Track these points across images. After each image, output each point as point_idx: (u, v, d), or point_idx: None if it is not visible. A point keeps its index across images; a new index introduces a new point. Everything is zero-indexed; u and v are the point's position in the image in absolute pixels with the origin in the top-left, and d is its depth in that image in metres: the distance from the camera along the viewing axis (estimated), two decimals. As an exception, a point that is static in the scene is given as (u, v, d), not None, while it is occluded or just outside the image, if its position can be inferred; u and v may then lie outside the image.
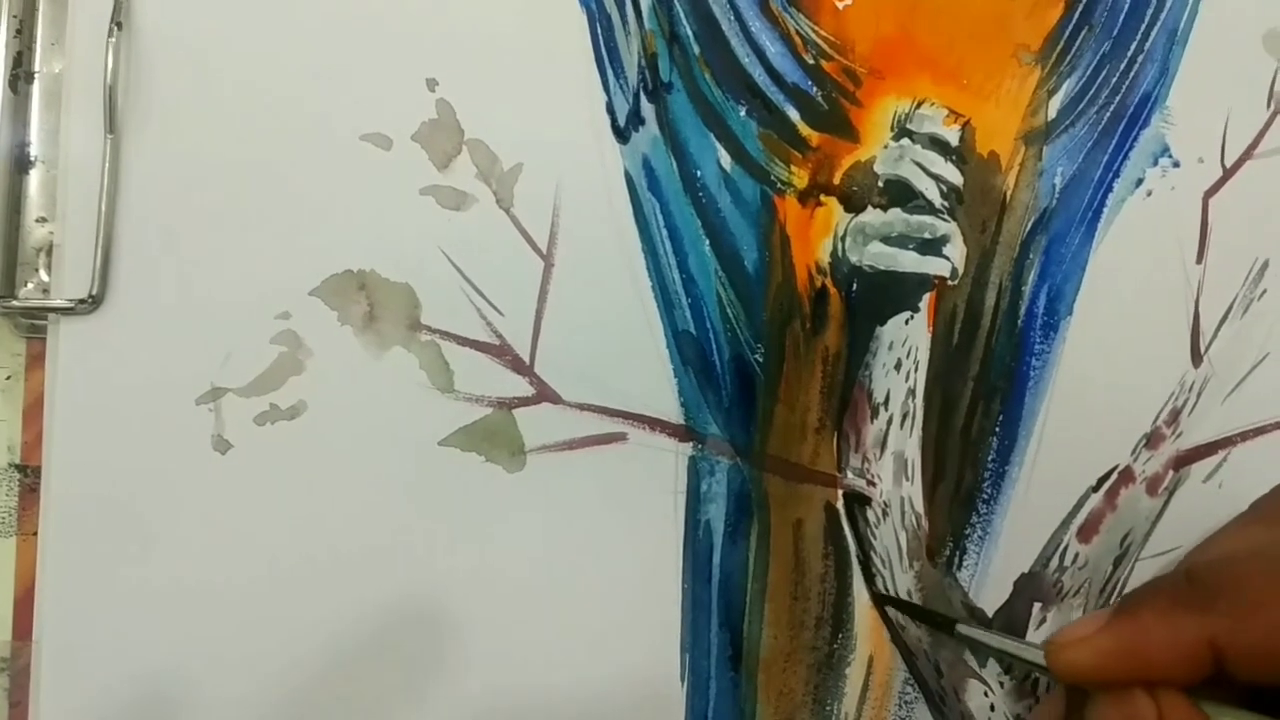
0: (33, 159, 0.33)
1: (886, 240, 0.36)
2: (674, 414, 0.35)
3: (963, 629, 0.34)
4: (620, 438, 0.35)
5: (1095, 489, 0.36)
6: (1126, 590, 0.36)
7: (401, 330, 0.34)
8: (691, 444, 0.35)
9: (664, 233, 0.35)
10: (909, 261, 0.36)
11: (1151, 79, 0.37)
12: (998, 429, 0.36)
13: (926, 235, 0.36)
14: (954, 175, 0.36)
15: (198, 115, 0.33)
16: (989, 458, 0.36)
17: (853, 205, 0.35)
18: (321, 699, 0.34)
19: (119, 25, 0.33)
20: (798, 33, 0.35)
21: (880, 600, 0.36)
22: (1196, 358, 0.37)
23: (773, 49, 0.35)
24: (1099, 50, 0.36)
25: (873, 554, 0.36)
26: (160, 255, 0.33)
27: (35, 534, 0.33)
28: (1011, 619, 0.36)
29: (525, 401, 0.35)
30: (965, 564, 0.36)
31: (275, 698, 0.33)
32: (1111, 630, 0.29)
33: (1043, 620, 0.36)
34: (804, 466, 0.35)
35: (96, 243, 0.33)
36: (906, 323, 0.36)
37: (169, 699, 0.33)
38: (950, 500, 0.36)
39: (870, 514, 0.36)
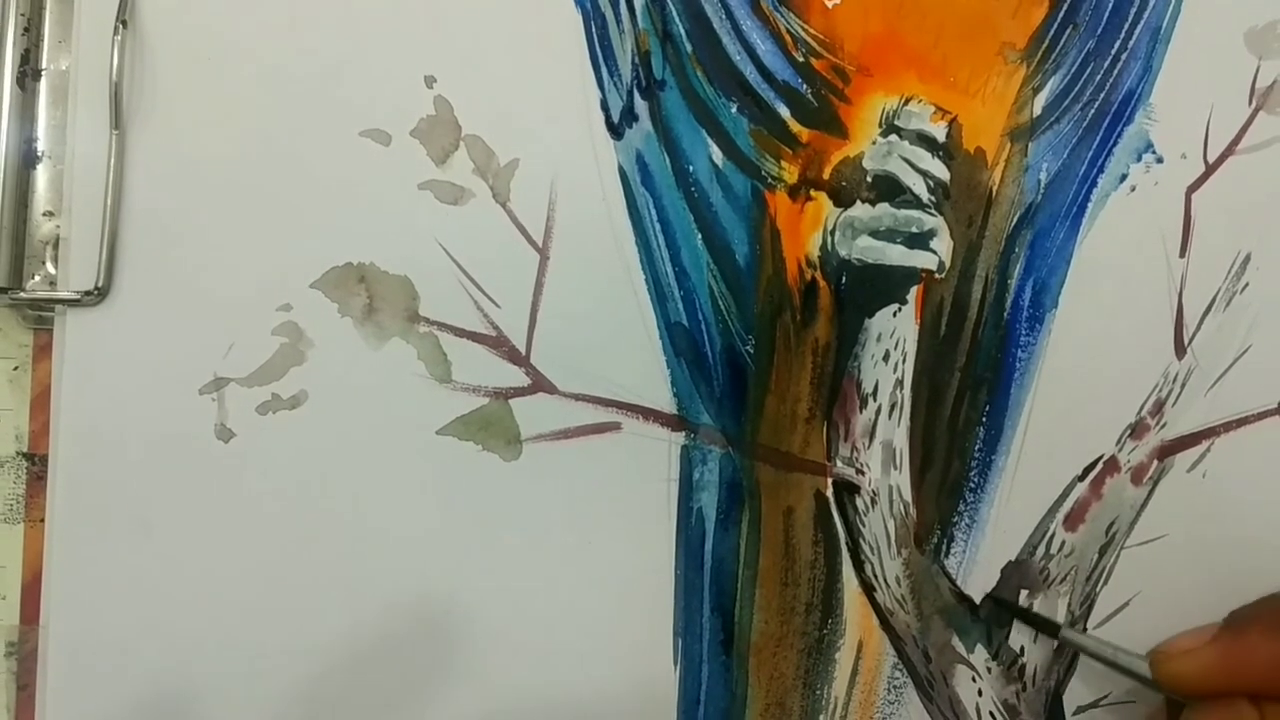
0: (40, 154, 0.34)
1: (875, 234, 0.36)
2: (667, 404, 0.36)
3: (1067, 634, 0.35)
4: (614, 427, 0.35)
5: (1081, 478, 0.37)
6: (1113, 577, 0.37)
7: (400, 322, 0.35)
8: (684, 433, 0.36)
9: (657, 227, 0.36)
10: (897, 255, 0.36)
11: (1135, 76, 0.37)
12: (984, 419, 0.37)
13: (914, 229, 0.36)
14: (941, 171, 0.36)
15: (201, 111, 0.34)
16: (976, 447, 0.37)
17: (842, 200, 0.36)
18: (321, 679, 0.34)
19: (124, 24, 0.33)
20: (788, 31, 0.36)
21: (989, 600, 0.36)
22: (1180, 350, 0.37)
23: (763, 47, 0.36)
24: (1083, 48, 0.37)
25: (862, 541, 0.36)
26: (164, 248, 0.34)
27: (42, 521, 0.33)
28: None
29: (521, 392, 0.35)
30: (953, 552, 0.37)
31: (276, 681, 0.34)
32: (1218, 645, 0.30)
33: (1029, 608, 0.37)
34: (794, 455, 0.36)
35: (102, 236, 0.33)
36: (894, 315, 0.36)
37: (173, 683, 0.34)
38: (938, 489, 0.37)
39: (859, 502, 0.36)
